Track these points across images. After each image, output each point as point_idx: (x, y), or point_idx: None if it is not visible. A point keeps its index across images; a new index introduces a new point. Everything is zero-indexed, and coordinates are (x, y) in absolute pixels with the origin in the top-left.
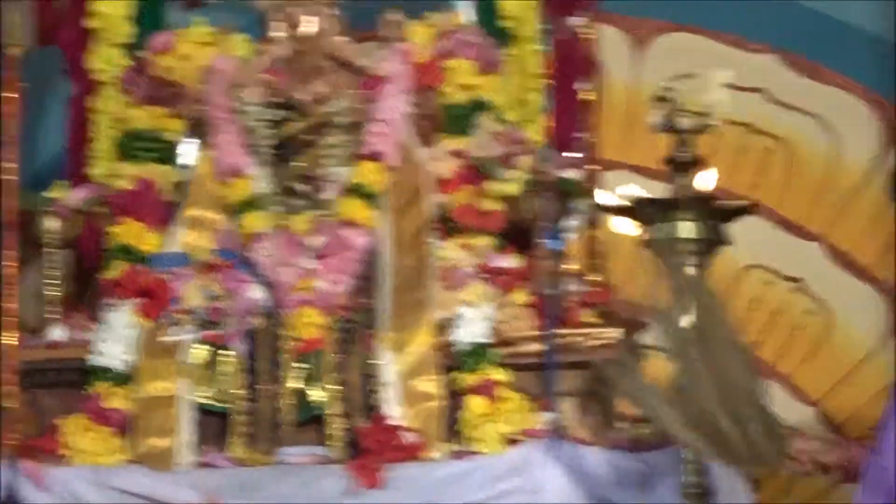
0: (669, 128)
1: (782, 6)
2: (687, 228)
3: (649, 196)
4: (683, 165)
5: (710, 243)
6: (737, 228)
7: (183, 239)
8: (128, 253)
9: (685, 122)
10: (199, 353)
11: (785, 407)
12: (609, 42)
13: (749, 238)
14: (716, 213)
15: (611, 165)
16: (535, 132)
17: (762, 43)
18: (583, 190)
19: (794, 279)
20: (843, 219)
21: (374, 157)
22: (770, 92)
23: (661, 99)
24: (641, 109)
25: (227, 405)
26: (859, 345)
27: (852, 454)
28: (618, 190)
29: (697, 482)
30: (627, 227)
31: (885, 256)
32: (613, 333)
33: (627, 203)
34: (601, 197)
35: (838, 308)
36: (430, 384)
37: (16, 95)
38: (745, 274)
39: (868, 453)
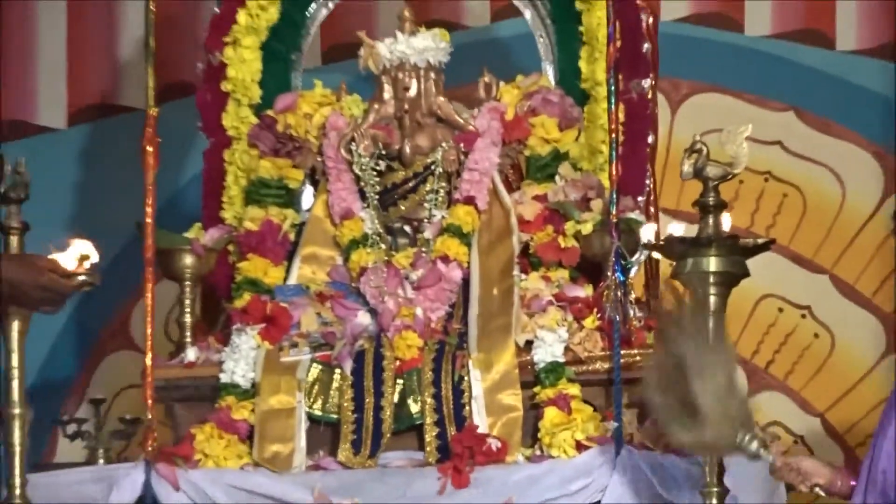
0: (699, 176)
1: (797, 69)
2: (713, 263)
3: (681, 235)
4: (710, 208)
5: (732, 276)
6: (755, 262)
7: (301, 273)
8: (253, 285)
9: (712, 171)
10: (314, 371)
11: (794, 417)
12: None
13: (765, 271)
14: (737, 249)
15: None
16: (606, 179)
17: (780, 102)
18: (641, 224)
19: (803, 307)
20: (847, 255)
21: (467, 201)
22: (786, 145)
23: (692, 150)
24: (672, 159)
25: (336, 416)
26: (859, 364)
27: (838, 478)
28: (668, 230)
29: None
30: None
31: (884, 288)
32: None
33: (661, 241)
34: (643, 234)
35: (841, 332)
36: (512, 398)
37: (152, 149)
38: (761, 302)
39: (863, 460)
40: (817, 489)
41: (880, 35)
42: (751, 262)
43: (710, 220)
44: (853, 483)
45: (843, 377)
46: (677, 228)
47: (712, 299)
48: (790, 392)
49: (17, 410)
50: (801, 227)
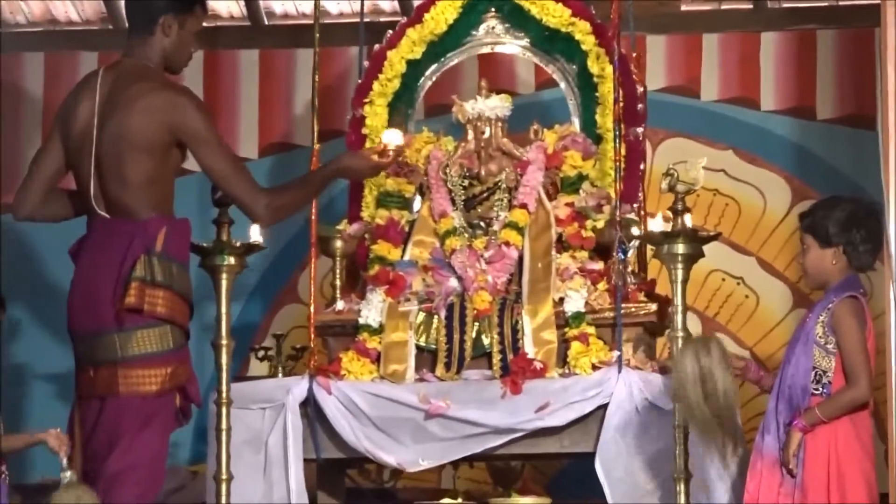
0: (672, 191)
1: (735, 122)
2: (680, 248)
3: (660, 229)
4: (679, 212)
5: (692, 257)
6: (707, 248)
7: (412, 252)
8: (381, 260)
9: (680, 187)
10: (420, 316)
11: (732, 350)
12: None
13: (713, 254)
14: (696, 239)
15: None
16: (613, 192)
17: (724, 143)
18: (637, 225)
19: (738, 278)
20: (767, 244)
21: (521, 206)
22: (728, 172)
23: (667, 174)
24: (654, 180)
25: (434, 346)
26: (774, 316)
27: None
28: (651, 226)
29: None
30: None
31: (791, 266)
32: (653, 307)
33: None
34: (640, 229)
35: (763, 295)
36: (551, 335)
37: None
38: (710, 274)
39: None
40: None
41: (789, 100)
42: (705, 248)
43: (679, 220)
44: (762, 374)
45: (764, 324)
46: (657, 225)
47: (680, 272)
48: (730, 333)
49: (224, 341)
50: (737, 225)
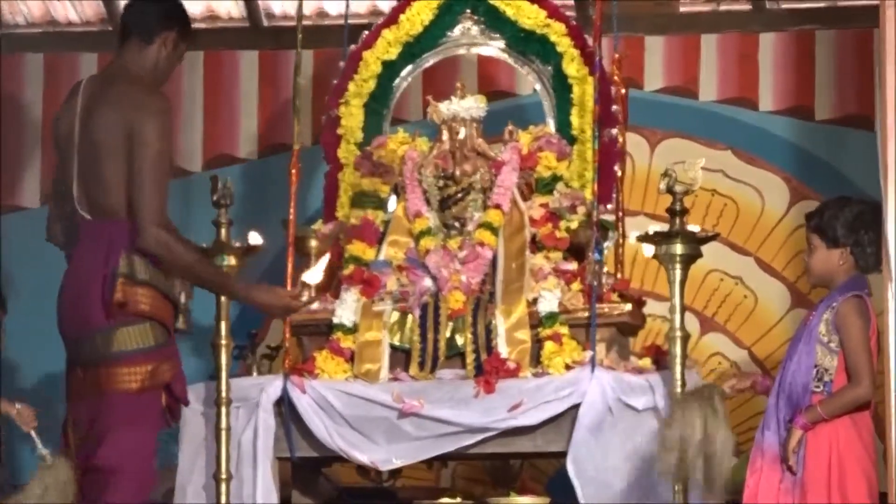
0: (670, 191)
1: (734, 123)
2: (678, 248)
3: (660, 230)
4: (677, 213)
5: (691, 257)
6: (705, 249)
7: (387, 252)
8: (356, 260)
9: (678, 188)
10: (394, 315)
11: (730, 350)
12: (635, 143)
13: (712, 253)
14: (694, 239)
15: (636, 213)
16: (588, 193)
17: (723, 144)
18: (612, 226)
19: (736, 277)
20: (765, 245)
21: (496, 206)
22: (727, 172)
23: (665, 175)
24: (652, 181)
25: (408, 345)
26: (773, 316)
27: (757, 381)
28: (650, 228)
29: None
30: (646, 248)
31: (789, 266)
32: (627, 307)
33: (649, 233)
34: (635, 230)
35: (761, 294)
36: (524, 334)
37: (295, 172)
38: (709, 274)
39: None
40: (743, 387)
41: (788, 101)
42: (703, 248)
43: (677, 221)
44: (768, 384)
45: (762, 324)
46: (656, 227)
47: (678, 272)
48: (728, 333)
49: (223, 341)
50: (735, 226)
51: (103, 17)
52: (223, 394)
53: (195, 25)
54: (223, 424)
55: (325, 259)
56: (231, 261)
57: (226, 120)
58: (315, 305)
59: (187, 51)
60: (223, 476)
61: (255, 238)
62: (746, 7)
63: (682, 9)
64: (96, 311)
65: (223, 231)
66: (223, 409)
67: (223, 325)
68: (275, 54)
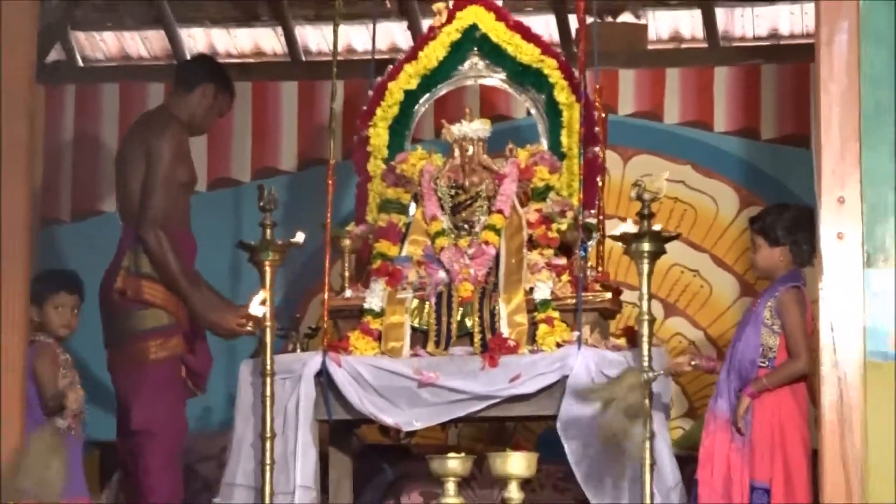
0: (639, 198)
1: (692, 142)
2: (646, 245)
3: (631, 230)
4: (645, 216)
5: (656, 253)
6: (669, 246)
7: (408, 249)
8: (383, 256)
9: (646, 196)
10: (414, 302)
11: (689, 331)
12: (611, 159)
13: (674, 251)
14: (659, 238)
15: (612, 216)
16: (575, 200)
17: (683, 159)
18: (595, 227)
19: (694, 270)
20: (719, 243)
21: (499, 211)
22: (687, 183)
23: (635, 185)
24: (625, 190)
25: (426, 327)
26: (724, 302)
27: (709, 361)
28: (619, 228)
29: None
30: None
31: (739, 261)
32: (607, 295)
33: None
34: (612, 231)
35: (715, 284)
36: (522, 318)
37: (331, 183)
38: (671, 268)
39: (727, 353)
40: (694, 364)
41: (737, 123)
42: (667, 246)
43: (645, 223)
44: (712, 363)
45: (716, 309)
46: (628, 227)
47: (645, 266)
48: (687, 317)
49: (268, 322)
50: (693, 227)
51: (168, 52)
52: (268, 367)
53: (245, 60)
54: (268, 392)
55: (263, 294)
56: (273, 256)
57: (270, 138)
58: (348, 293)
59: (227, 109)
60: (268, 435)
61: (299, 236)
62: (703, 45)
63: (650, 47)
64: (114, 300)
65: (268, 231)
66: (268, 380)
67: (267, 310)
68: (310, 84)
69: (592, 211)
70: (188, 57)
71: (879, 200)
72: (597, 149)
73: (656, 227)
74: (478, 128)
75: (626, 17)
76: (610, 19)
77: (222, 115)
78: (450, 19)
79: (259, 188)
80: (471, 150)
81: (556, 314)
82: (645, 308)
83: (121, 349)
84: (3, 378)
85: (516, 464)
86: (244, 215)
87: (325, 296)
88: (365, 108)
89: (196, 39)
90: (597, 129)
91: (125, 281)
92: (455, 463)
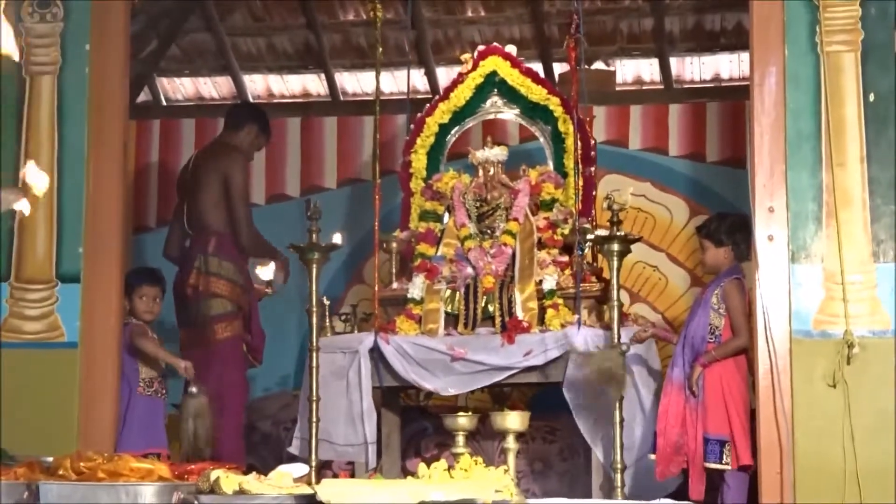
0: (610, 209)
1: (650, 164)
2: (616, 246)
3: (604, 234)
4: (614, 223)
5: (624, 252)
6: (634, 247)
7: (442, 250)
8: (423, 255)
9: (615, 207)
10: (447, 292)
11: (650, 314)
12: None
13: (638, 250)
14: (625, 240)
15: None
16: (574, 210)
17: (643, 178)
18: (590, 231)
19: (653, 266)
20: (673, 244)
21: (515, 219)
22: (648, 196)
23: (606, 198)
24: (598, 201)
25: (457, 312)
26: (678, 291)
27: (659, 332)
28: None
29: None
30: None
31: (690, 259)
32: (600, 285)
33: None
34: (592, 234)
35: (671, 277)
36: (533, 304)
37: (378, 198)
38: (635, 264)
39: (682, 330)
40: (651, 333)
41: (688, 148)
42: (632, 247)
43: (614, 229)
44: (668, 334)
45: (671, 296)
46: (602, 232)
47: (615, 263)
48: (648, 303)
49: (314, 308)
50: (653, 232)
51: (234, 94)
52: (314, 343)
53: (295, 101)
54: (314, 364)
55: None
56: (318, 255)
57: (315, 162)
58: (395, 285)
59: (269, 140)
60: (314, 398)
61: (337, 238)
62: (660, 87)
63: (618, 88)
64: (188, 292)
65: (314, 236)
66: (314, 354)
67: (314, 297)
68: (347, 119)
69: (588, 218)
70: (250, 98)
71: (801, 209)
72: (591, 169)
73: (623, 231)
74: (497, 153)
75: (599, 65)
76: (586, 66)
77: (260, 148)
78: (474, 67)
79: (306, 202)
80: (492, 170)
81: (560, 301)
82: (615, 296)
83: (193, 331)
84: (98, 356)
85: (513, 420)
86: (293, 224)
87: (376, 288)
88: (406, 138)
89: (256, 83)
90: (592, 153)
91: (197, 278)
92: (464, 420)
